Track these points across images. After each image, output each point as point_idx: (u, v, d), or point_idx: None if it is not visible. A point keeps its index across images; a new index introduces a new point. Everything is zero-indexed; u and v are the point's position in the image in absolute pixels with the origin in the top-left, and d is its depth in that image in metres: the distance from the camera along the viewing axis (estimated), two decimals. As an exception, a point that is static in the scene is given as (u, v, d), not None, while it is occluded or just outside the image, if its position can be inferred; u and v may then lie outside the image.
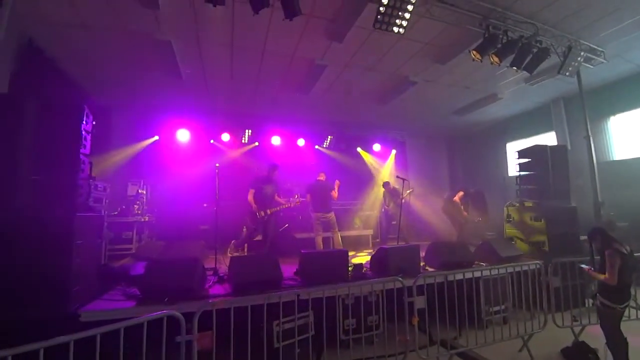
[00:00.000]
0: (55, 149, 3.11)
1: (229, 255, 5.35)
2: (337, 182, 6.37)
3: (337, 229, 6.44)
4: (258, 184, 5.62)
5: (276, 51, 5.62)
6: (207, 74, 6.47)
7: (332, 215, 6.36)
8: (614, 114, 7.47)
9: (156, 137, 8.31)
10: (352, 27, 4.81)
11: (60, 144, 3.14)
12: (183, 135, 8.39)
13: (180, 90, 7.11)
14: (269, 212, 5.51)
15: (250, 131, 9.25)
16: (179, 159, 8.20)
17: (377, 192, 9.38)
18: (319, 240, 6.35)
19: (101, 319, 2.69)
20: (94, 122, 3.58)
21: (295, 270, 4.22)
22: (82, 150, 3.22)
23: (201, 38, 5.20)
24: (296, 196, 6.38)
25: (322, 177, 6.56)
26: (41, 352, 1.78)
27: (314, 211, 6.40)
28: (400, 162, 10.93)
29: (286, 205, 6.03)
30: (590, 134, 6.00)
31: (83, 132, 3.25)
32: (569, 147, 7.40)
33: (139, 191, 6.94)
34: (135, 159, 8.01)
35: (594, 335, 3.58)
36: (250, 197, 5.56)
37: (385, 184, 8.07)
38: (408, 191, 7.28)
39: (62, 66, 5.89)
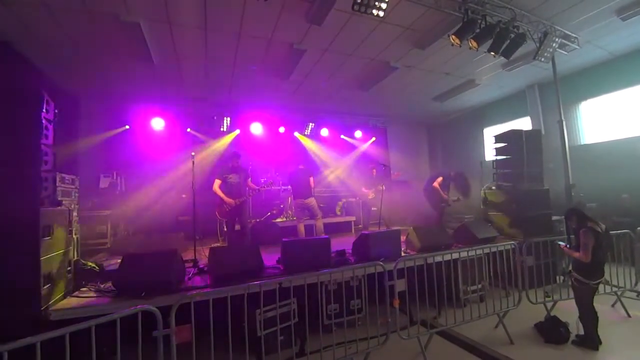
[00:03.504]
0: (13, 140, 2.88)
1: None
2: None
3: (319, 216, 6.46)
4: (223, 174, 5.49)
5: (253, 34, 5.40)
6: (181, 58, 6.15)
7: (312, 200, 6.38)
8: (585, 99, 7.75)
9: (126, 127, 7.93)
10: (331, 10, 4.67)
11: (19, 134, 2.91)
12: (157, 124, 8.04)
13: (153, 76, 6.76)
14: (237, 201, 5.39)
15: (229, 119, 8.98)
16: (154, 149, 7.86)
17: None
18: (301, 228, 6.40)
19: (73, 317, 2.58)
20: (56, 110, 3.34)
21: (277, 258, 4.20)
22: (43, 141, 3.01)
23: (172, 20, 4.92)
24: (268, 181, 6.28)
25: (302, 166, 6.74)
26: (5, 356, 1.68)
27: (295, 198, 6.63)
28: (382, 148, 10.98)
29: (256, 190, 5.95)
30: (563, 118, 6.19)
31: (44, 121, 3.03)
32: (543, 132, 7.64)
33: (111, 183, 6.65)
34: (107, 150, 7.62)
35: (565, 310, 3.78)
36: (215, 188, 5.42)
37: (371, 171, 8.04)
38: (380, 187, 6.63)
39: (22, 51, 5.43)
